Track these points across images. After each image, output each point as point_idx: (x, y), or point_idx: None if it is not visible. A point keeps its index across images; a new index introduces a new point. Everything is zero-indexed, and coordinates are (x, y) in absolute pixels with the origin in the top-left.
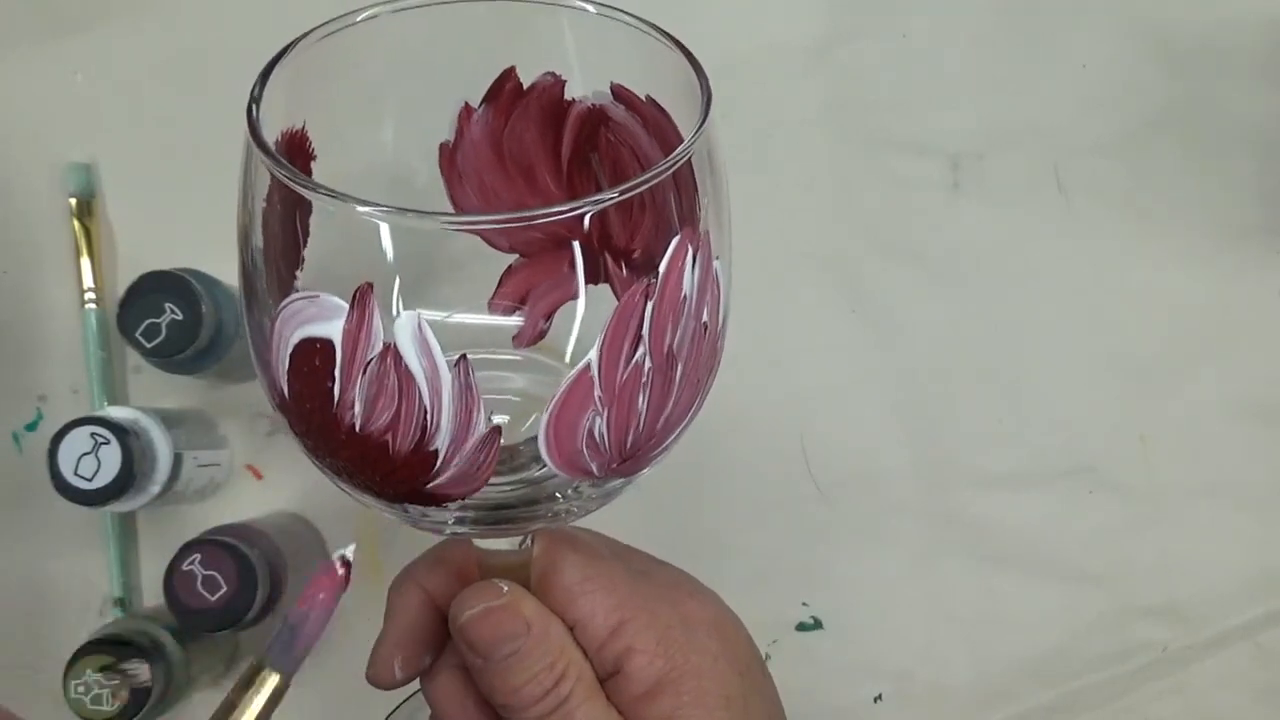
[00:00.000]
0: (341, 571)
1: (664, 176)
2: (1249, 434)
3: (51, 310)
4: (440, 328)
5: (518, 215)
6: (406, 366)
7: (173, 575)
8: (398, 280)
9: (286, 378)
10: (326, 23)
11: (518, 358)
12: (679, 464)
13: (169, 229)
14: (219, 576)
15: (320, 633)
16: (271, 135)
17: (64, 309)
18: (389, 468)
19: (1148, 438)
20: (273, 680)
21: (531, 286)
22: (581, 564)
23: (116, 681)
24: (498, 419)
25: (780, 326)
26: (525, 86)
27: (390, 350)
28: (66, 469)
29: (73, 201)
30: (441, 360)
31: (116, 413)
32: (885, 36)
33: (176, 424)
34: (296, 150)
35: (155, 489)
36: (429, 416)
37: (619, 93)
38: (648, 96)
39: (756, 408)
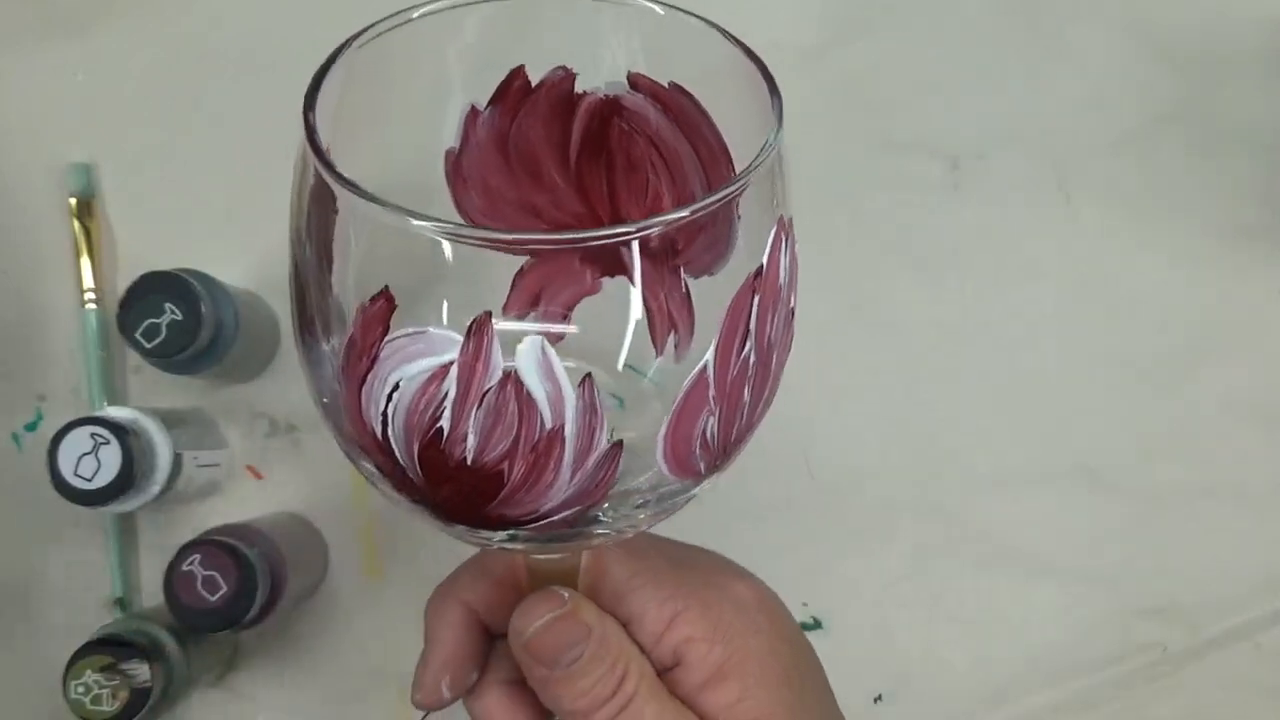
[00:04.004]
0: None
1: (748, 179)
2: (1249, 434)
3: (51, 310)
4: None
5: (590, 234)
6: (529, 393)
7: (173, 575)
8: (445, 300)
9: (384, 418)
10: (360, 33)
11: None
12: None
13: (169, 229)
14: (219, 576)
15: None
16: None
17: (64, 309)
18: (501, 496)
19: (1148, 438)
20: None
21: (544, 287)
22: (627, 561)
23: (116, 681)
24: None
25: None
26: (534, 84)
27: (511, 378)
28: (66, 469)
29: (73, 201)
30: (566, 382)
31: (116, 413)
32: (885, 36)
33: (176, 424)
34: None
35: (155, 489)
36: (552, 439)
37: (636, 81)
38: (671, 82)
39: None
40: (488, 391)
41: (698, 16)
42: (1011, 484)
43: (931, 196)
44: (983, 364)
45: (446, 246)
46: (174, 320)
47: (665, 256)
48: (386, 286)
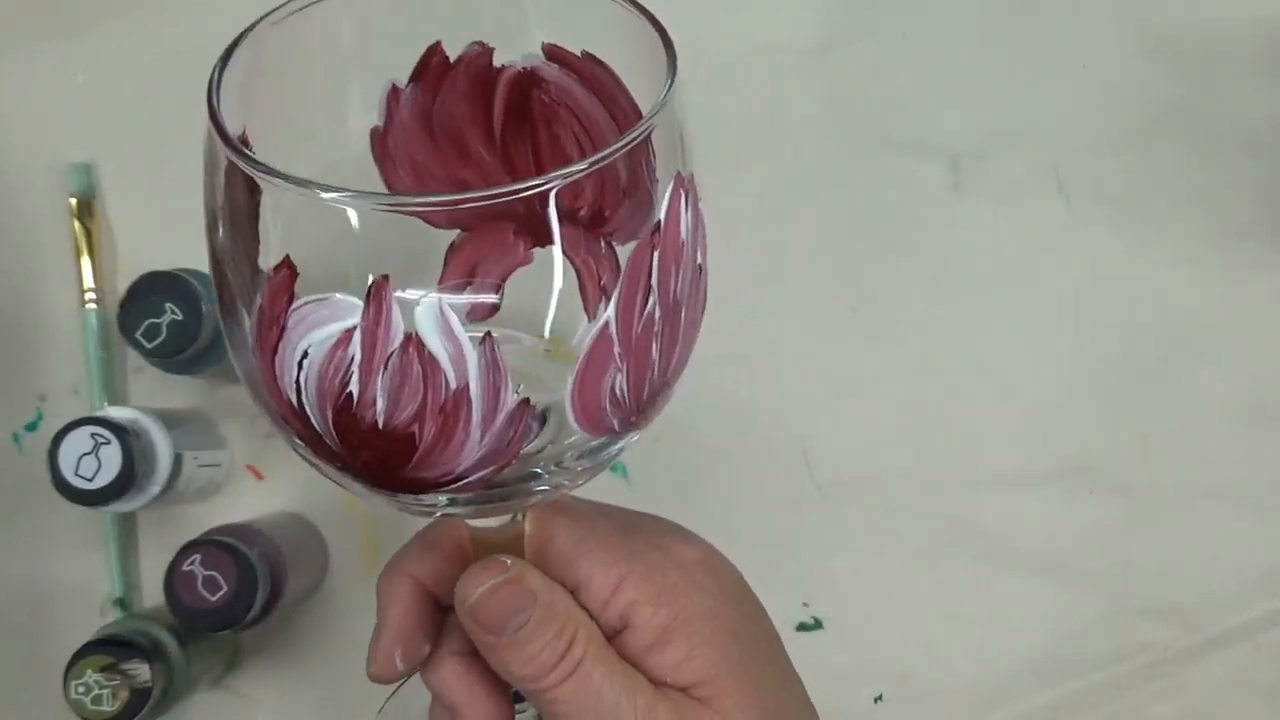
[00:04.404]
0: None
1: (640, 138)
2: (1249, 434)
3: (51, 310)
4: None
5: (494, 192)
6: (430, 353)
7: (173, 575)
8: (372, 276)
9: (297, 386)
10: (261, 19)
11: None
12: (679, 464)
13: (169, 229)
14: (219, 576)
15: None
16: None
17: (64, 309)
18: (415, 459)
19: (1148, 438)
20: None
21: (478, 260)
22: (573, 527)
23: (116, 682)
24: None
25: (780, 326)
26: (452, 60)
27: (413, 340)
28: (67, 469)
29: (73, 201)
30: (467, 342)
31: (116, 413)
32: (885, 36)
33: (176, 424)
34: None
35: (155, 489)
36: (458, 399)
37: (551, 52)
38: (584, 52)
39: (756, 408)
40: (391, 354)
41: None
42: (1011, 484)
43: (931, 196)
44: (982, 364)
45: (360, 218)
46: (174, 320)
47: (594, 225)
48: (288, 255)
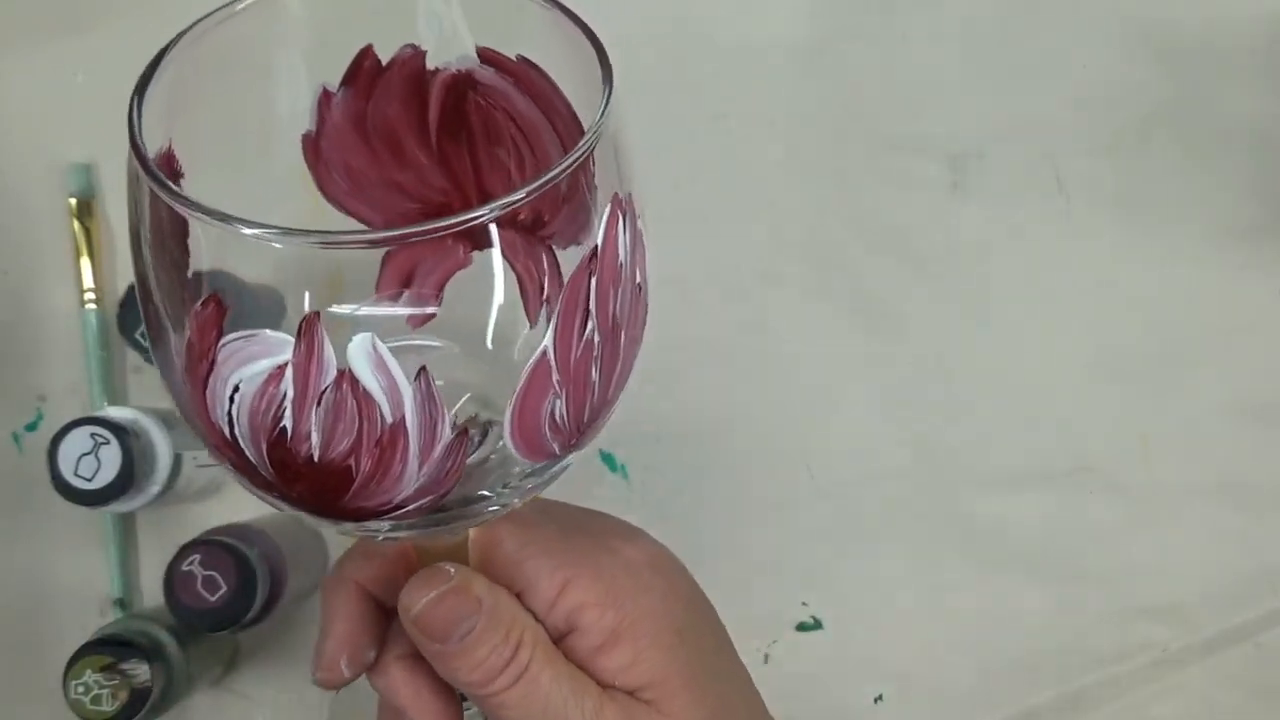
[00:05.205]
0: None
1: (581, 159)
2: (1249, 434)
3: (51, 310)
4: (342, 325)
5: (431, 227)
6: (364, 389)
7: (173, 575)
8: (307, 295)
9: (229, 419)
10: (186, 30)
11: (431, 343)
12: (679, 464)
13: None
14: (219, 576)
15: None
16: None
17: (64, 309)
18: (352, 491)
19: (1148, 438)
20: None
21: (415, 264)
22: (517, 532)
23: (116, 681)
24: (462, 419)
25: (780, 326)
26: (384, 63)
27: (346, 376)
28: (66, 469)
29: (73, 201)
30: (401, 376)
31: (116, 413)
32: (884, 36)
33: (176, 424)
34: (166, 172)
35: (155, 489)
36: (395, 433)
37: (485, 55)
38: (519, 56)
39: (756, 408)
40: (325, 390)
41: None
42: (1011, 484)
43: (931, 196)
44: (982, 363)
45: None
46: None
47: (533, 228)
48: (215, 292)
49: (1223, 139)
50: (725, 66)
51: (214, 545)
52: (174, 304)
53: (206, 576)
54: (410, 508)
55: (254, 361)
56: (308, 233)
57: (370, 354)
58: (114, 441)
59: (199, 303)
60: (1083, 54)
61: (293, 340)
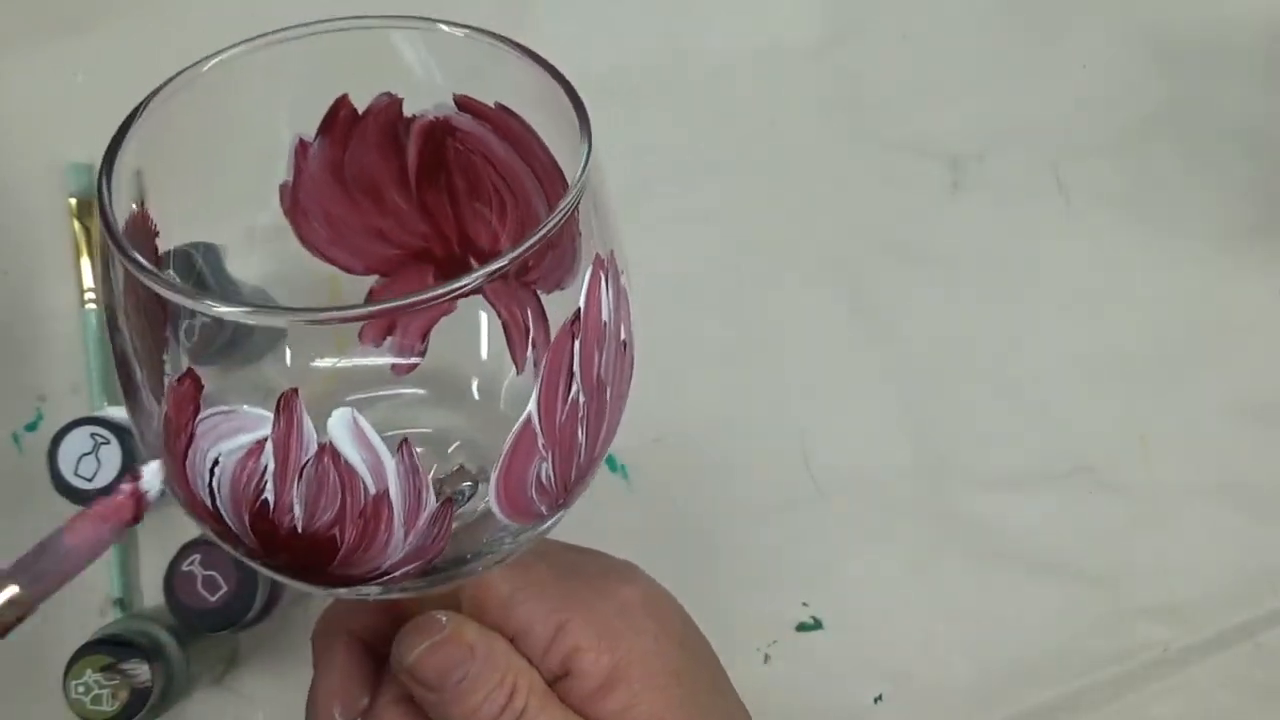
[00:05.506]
0: (129, 499)
1: (566, 216)
2: (1249, 434)
3: (51, 310)
4: (320, 375)
5: (423, 298)
6: (346, 462)
7: (173, 575)
8: (288, 347)
9: (210, 490)
10: (159, 89)
11: (416, 390)
12: (679, 464)
13: (169, 229)
14: (219, 576)
15: (82, 566)
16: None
17: (64, 309)
18: (338, 559)
19: (1148, 438)
20: (9, 592)
21: (398, 311)
22: (510, 576)
23: (116, 681)
24: (451, 466)
25: (780, 326)
26: (360, 111)
27: (327, 449)
28: (66, 469)
29: (73, 201)
30: (384, 449)
31: (116, 413)
32: (885, 36)
33: None
34: (141, 233)
35: (155, 489)
36: (378, 505)
37: (463, 102)
38: (496, 103)
39: (756, 408)
40: (306, 464)
41: (504, 40)
42: (1011, 484)
43: (931, 196)
44: (982, 363)
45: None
46: None
47: (518, 274)
48: (191, 368)
49: (1223, 139)
50: (725, 67)
51: (214, 545)
52: (153, 376)
53: (206, 576)
54: (398, 573)
55: (233, 436)
56: (278, 309)
57: (351, 427)
58: (114, 441)
59: (175, 378)
60: (1083, 54)
61: (270, 416)
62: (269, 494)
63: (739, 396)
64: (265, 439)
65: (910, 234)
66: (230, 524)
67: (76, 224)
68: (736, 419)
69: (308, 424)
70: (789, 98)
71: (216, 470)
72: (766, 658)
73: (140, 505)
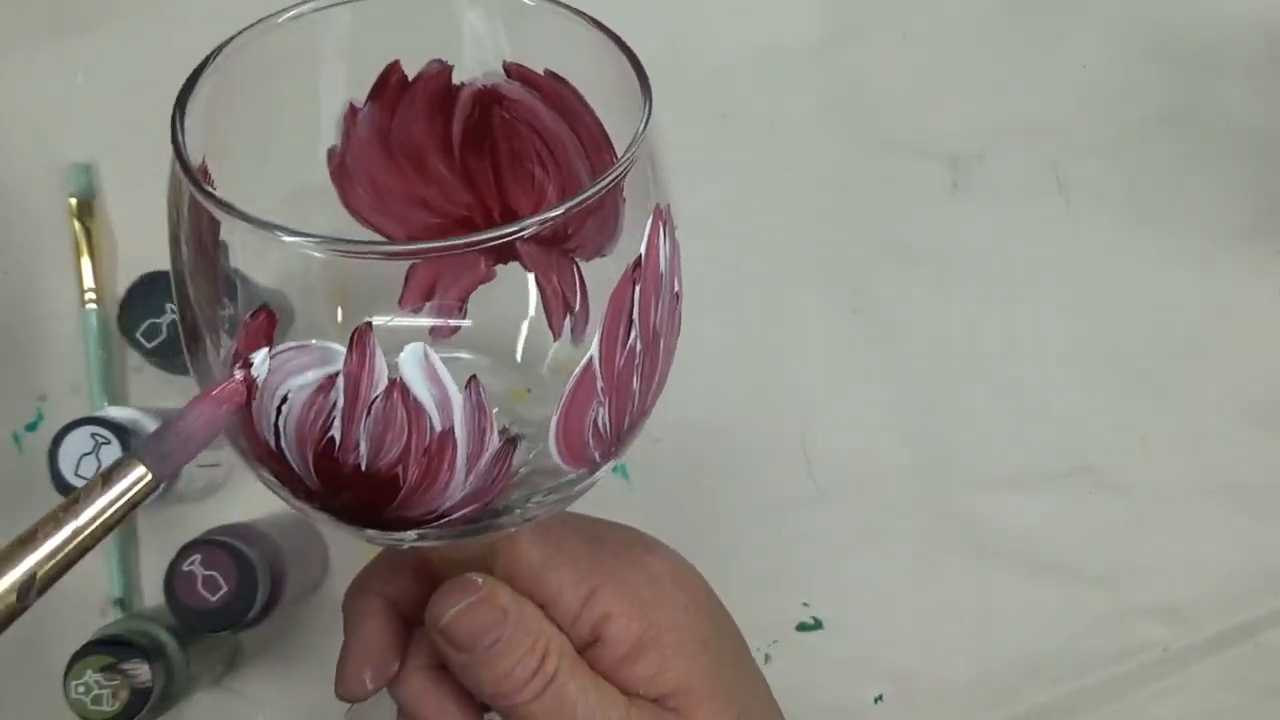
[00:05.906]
0: (242, 383)
1: (620, 177)
2: (1249, 434)
3: (51, 310)
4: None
5: (469, 240)
6: (415, 399)
7: (173, 575)
8: (340, 302)
9: (275, 430)
10: (228, 41)
11: (460, 355)
12: (679, 464)
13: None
14: (219, 576)
15: (201, 448)
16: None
17: (64, 309)
18: (399, 499)
19: (1148, 438)
20: (138, 472)
21: (438, 277)
22: (540, 543)
23: (116, 682)
24: (512, 430)
25: (780, 326)
26: (411, 78)
27: (397, 385)
28: (67, 469)
29: (73, 201)
30: (452, 384)
31: (117, 413)
32: (885, 36)
33: None
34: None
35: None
36: (443, 442)
37: (512, 70)
38: (546, 70)
39: (756, 408)
40: (375, 400)
41: (567, 6)
42: (1011, 484)
43: (931, 196)
44: (982, 364)
45: (320, 255)
46: (174, 320)
47: (556, 242)
48: (265, 304)
49: (1223, 139)
50: (725, 67)
51: (214, 545)
52: (209, 310)
53: (207, 576)
54: (454, 516)
55: (304, 372)
56: (344, 241)
57: (423, 364)
58: (114, 441)
59: (249, 314)
60: (1083, 54)
61: (343, 350)
62: (335, 431)
63: (739, 396)
64: (336, 374)
65: (910, 234)
66: (294, 464)
67: (76, 224)
68: (736, 419)
69: (380, 359)
70: (789, 98)
71: (284, 408)
72: (767, 658)
73: (252, 390)
